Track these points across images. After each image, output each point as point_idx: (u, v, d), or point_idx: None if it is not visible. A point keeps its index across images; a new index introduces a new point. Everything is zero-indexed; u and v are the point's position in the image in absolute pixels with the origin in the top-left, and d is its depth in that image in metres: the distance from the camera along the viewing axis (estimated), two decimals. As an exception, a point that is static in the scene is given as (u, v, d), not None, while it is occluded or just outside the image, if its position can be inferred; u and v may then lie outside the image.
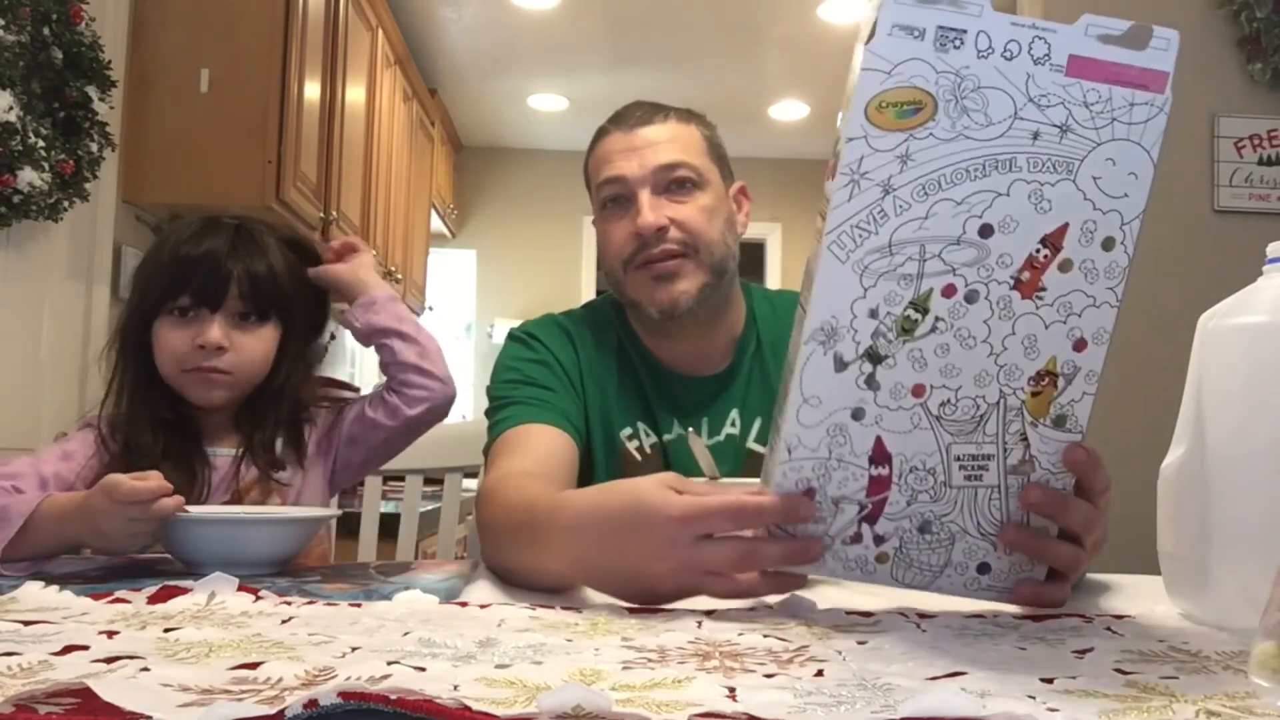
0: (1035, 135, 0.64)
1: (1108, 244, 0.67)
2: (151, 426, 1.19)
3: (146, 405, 1.20)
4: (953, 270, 0.66)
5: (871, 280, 0.66)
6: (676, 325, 1.22)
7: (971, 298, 0.67)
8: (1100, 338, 0.70)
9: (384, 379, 1.29)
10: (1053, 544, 0.74)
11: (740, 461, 1.23)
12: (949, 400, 0.69)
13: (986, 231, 0.65)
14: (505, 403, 1.20)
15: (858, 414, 0.69)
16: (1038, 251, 0.66)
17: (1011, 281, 0.67)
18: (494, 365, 1.28)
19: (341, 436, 1.29)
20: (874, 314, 0.66)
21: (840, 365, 0.67)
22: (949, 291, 0.66)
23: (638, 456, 1.24)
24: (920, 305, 0.66)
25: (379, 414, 1.27)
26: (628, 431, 1.24)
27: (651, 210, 1.18)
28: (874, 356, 0.67)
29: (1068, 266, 0.67)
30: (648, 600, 0.76)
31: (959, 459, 0.71)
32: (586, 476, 1.21)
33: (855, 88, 0.63)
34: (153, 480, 0.94)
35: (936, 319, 0.67)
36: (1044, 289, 0.67)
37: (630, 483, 0.78)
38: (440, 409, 1.29)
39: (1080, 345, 0.69)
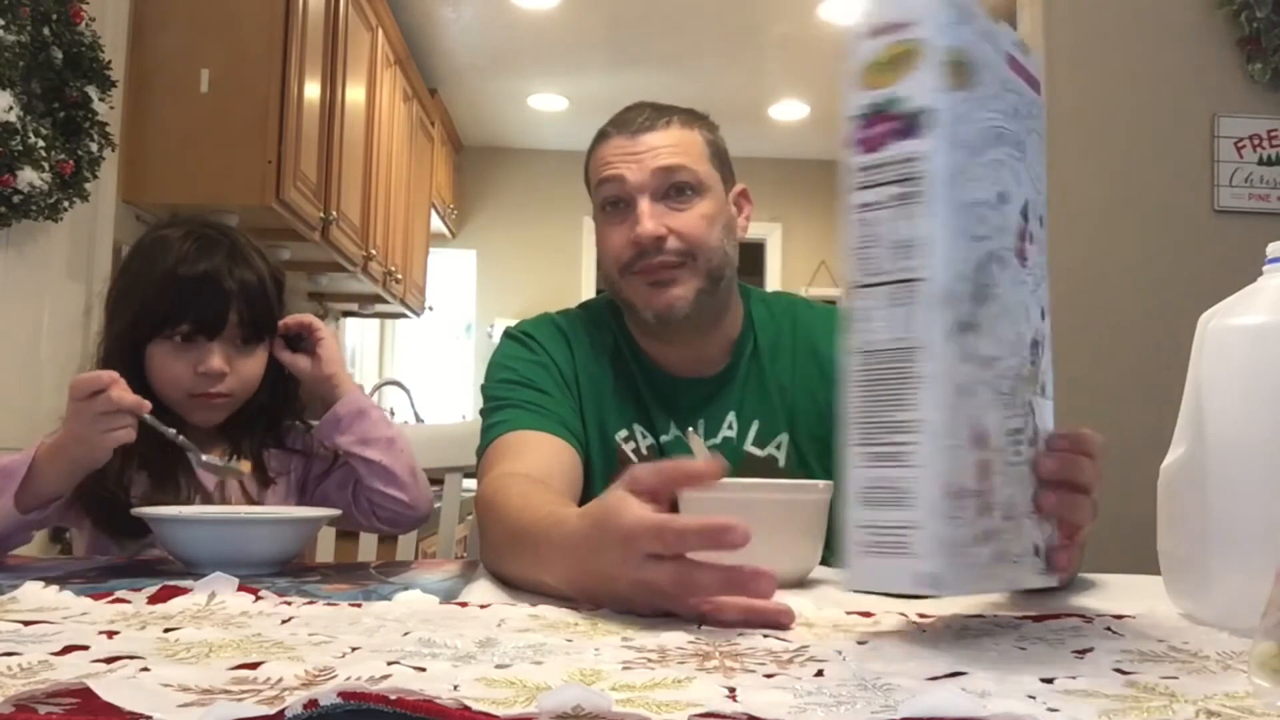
0: (1013, 112, 0.68)
1: (1043, 221, 0.72)
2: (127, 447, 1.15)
3: None
4: (992, 235, 0.65)
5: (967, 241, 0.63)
6: (672, 329, 1.22)
7: (1005, 262, 0.66)
8: (1048, 309, 0.73)
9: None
10: (1080, 498, 0.72)
11: (738, 464, 1.23)
12: (1002, 371, 0.66)
13: (1003, 198, 0.66)
14: (501, 405, 1.20)
15: (966, 391, 0.63)
16: (1022, 220, 0.69)
17: (1015, 249, 0.68)
18: (489, 363, 1.28)
19: (321, 490, 1.29)
20: (963, 278, 0.63)
21: (957, 332, 0.62)
22: (993, 256, 0.65)
23: (634, 458, 1.23)
24: (985, 268, 0.65)
25: (355, 503, 1.25)
26: (623, 434, 1.24)
27: (651, 219, 1.17)
28: (970, 326, 0.63)
29: (1031, 239, 0.70)
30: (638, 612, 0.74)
31: (1008, 433, 0.67)
32: (584, 480, 1.21)
33: (926, 39, 0.61)
34: (105, 374, 1.00)
35: (990, 285, 0.65)
36: (1027, 258, 0.69)
37: (601, 498, 0.76)
38: (406, 527, 1.30)
39: (1043, 315, 0.72)
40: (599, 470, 1.23)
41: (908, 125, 0.62)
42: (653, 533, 0.69)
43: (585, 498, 1.15)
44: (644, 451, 1.24)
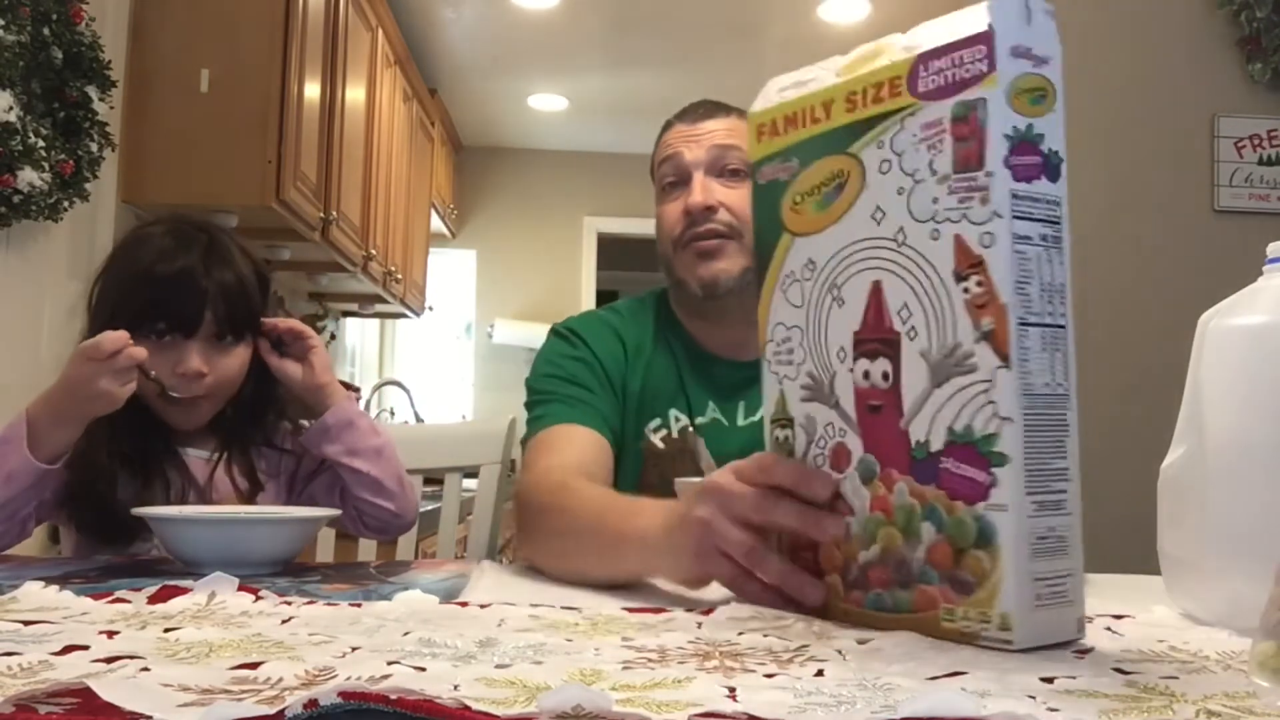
0: None
1: None
2: (113, 442, 1.16)
3: (111, 424, 1.14)
4: None
5: None
6: (718, 307, 1.26)
7: None
8: None
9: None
10: None
11: None
12: None
13: None
14: (546, 399, 1.24)
15: None
16: None
17: None
18: (535, 358, 1.32)
19: (308, 491, 1.29)
20: None
21: None
22: None
23: (660, 445, 1.26)
24: None
25: (343, 509, 1.24)
26: (654, 424, 1.27)
27: (702, 191, 1.24)
28: None
29: None
30: (679, 570, 0.80)
31: None
32: (617, 472, 1.25)
33: (1056, 83, 0.63)
34: (120, 334, 1.06)
35: None
36: None
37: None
38: (393, 534, 1.31)
39: None
40: (629, 459, 1.26)
41: (1048, 166, 0.63)
42: (751, 462, 0.74)
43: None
44: (675, 435, 1.27)
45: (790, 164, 0.73)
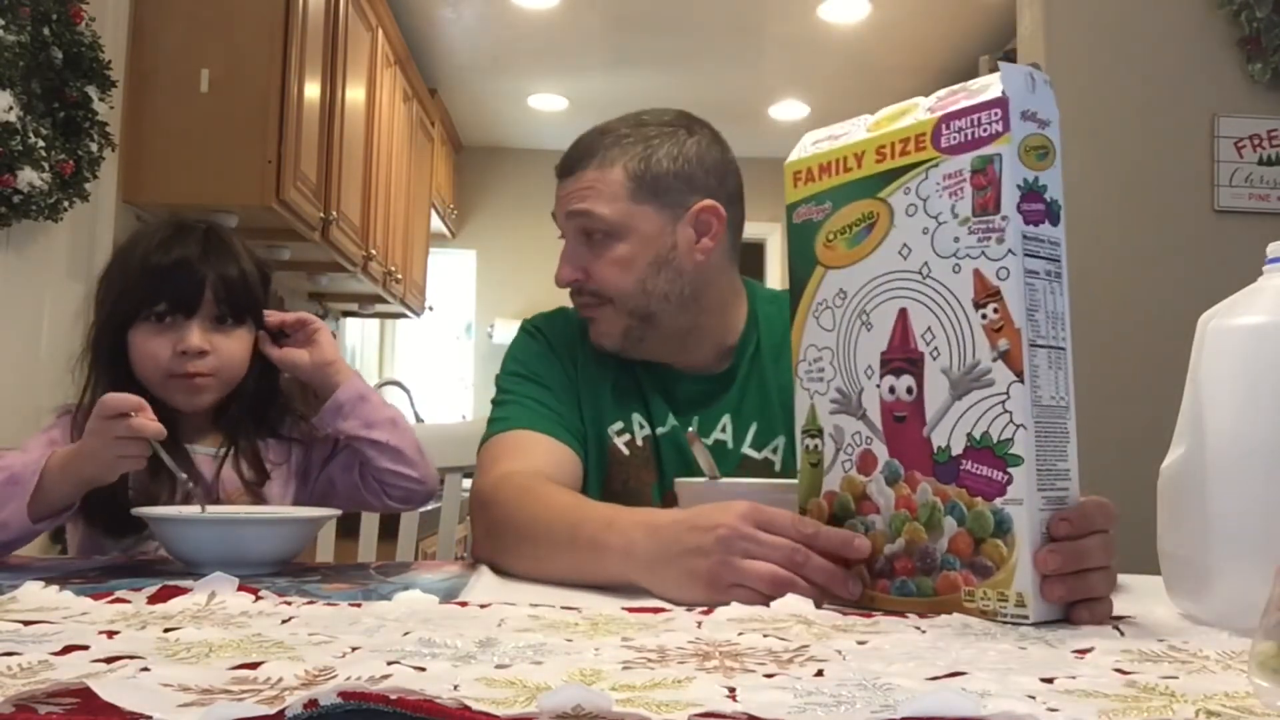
0: None
1: None
2: None
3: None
4: None
5: None
6: (628, 352, 1.24)
7: None
8: None
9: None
10: (1090, 578, 0.77)
11: (735, 467, 1.23)
12: None
13: None
14: (507, 400, 1.23)
15: None
16: None
17: None
18: (505, 353, 1.31)
19: (325, 474, 1.29)
20: None
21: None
22: None
23: (625, 451, 1.24)
24: None
25: (364, 484, 1.26)
26: (617, 426, 1.25)
27: (565, 263, 1.23)
28: None
29: None
30: (681, 597, 0.81)
31: None
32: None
33: (1055, 142, 0.73)
34: (132, 399, 1.00)
35: None
36: None
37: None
38: (417, 503, 1.31)
39: None
40: (593, 462, 1.24)
41: (1050, 212, 0.73)
42: (780, 520, 0.79)
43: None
44: (639, 443, 1.24)
45: (824, 206, 0.83)
